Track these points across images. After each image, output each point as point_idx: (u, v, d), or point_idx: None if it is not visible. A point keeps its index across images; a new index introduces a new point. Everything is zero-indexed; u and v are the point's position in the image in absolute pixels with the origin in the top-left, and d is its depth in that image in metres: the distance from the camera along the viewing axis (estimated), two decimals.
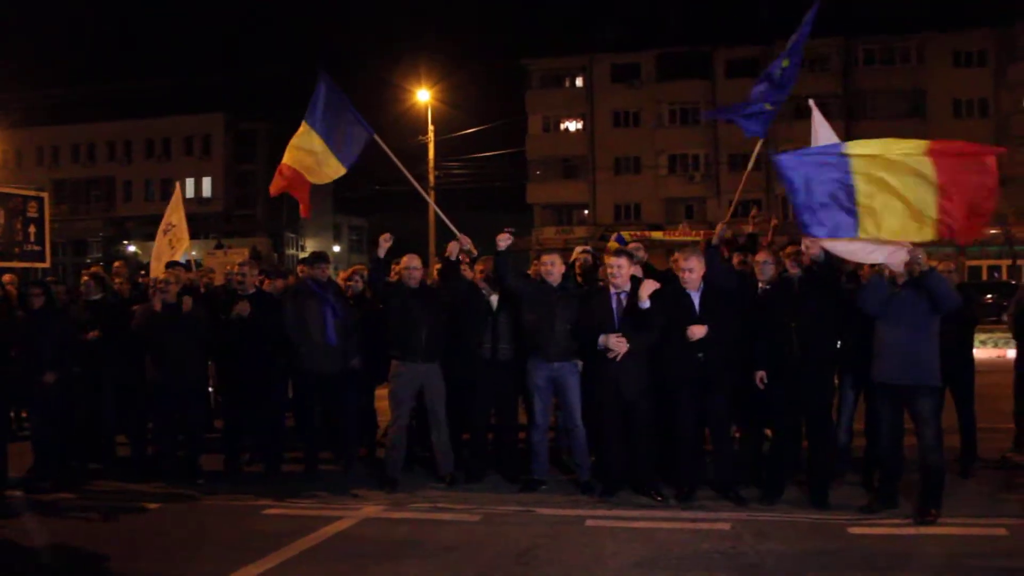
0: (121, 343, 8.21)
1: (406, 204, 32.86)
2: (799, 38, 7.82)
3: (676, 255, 7.27)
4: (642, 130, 46.92)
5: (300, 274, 9.43)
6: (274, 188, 8.70)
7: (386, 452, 7.81)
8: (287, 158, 8.46)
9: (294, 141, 8.42)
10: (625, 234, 10.79)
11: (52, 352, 7.78)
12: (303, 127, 8.31)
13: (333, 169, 8.34)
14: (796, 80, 7.83)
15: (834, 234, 6.13)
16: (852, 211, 6.04)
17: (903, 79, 43.45)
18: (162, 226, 10.88)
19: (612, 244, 8.19)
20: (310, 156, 8.34)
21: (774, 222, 9.18)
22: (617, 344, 6.90)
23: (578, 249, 8.98)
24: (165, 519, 6.97)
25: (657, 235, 12.80)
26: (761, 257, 7.31)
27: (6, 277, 9.93)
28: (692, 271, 6.94)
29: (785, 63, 7.81)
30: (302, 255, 51.09)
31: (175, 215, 10.91)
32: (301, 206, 8.93)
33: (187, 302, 7.92)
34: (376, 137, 8.37)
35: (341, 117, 8.29)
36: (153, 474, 7.99)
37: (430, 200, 11.85)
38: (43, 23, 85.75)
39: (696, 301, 6.94)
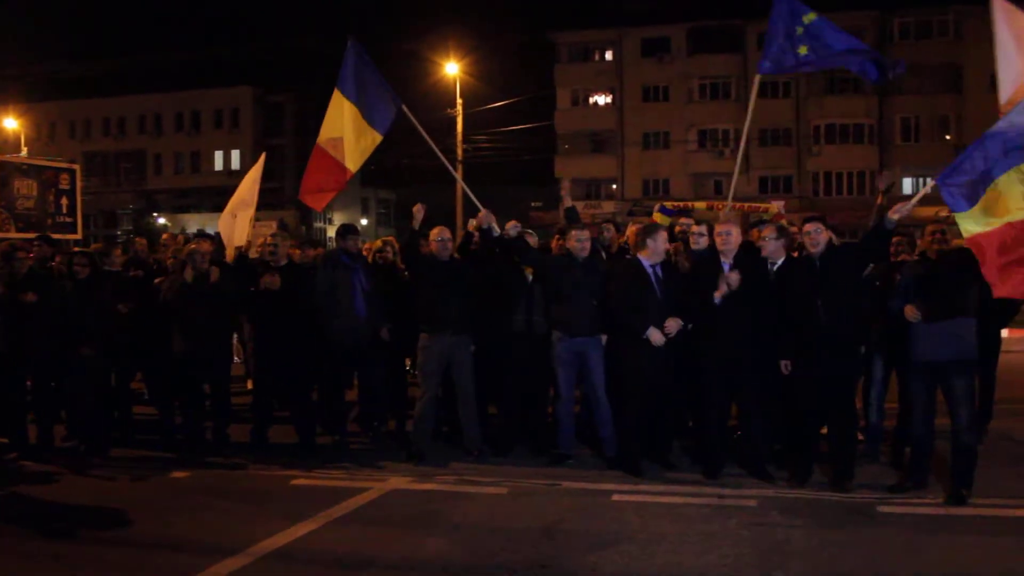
0: (146, 315, 8.20)
1: (434, 177, 32.78)
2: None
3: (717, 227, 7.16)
4: (672, 105, 46.47)
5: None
6: (318, 203, 8.62)
7: (414, 424, 7.84)
8: (322, 136, 8.27)
9: (330, 113, 8.26)
10: (668, 204, 10.70)
11: (94, 321, 7.86)
12: (335, 95, 8.20)
13: (370, 139, 8.23)
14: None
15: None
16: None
17: (939, 54, 42.37)
18: (232, 207, 9.99)
19: (657, 215, 8.12)
20: (346, 128, 8.18)
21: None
22: (674, 324, 6.89)
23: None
24: (193, 488, 7.05)
25: (701, 205, 12.69)
26: (766, 232, 7.07)
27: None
28: (730, 234, 6.89)
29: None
30: (330, 228, 51.22)
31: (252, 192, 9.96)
32: (320, 198, 8.55)
33: (214, 273, 7.95)
34: (405, 109, 8.30)
35: (370, 86, 8.24)
36: (181, 444, 8.06)
37: (458, 177, 11.77)
38: None
39: (727, 269, 6.85)
